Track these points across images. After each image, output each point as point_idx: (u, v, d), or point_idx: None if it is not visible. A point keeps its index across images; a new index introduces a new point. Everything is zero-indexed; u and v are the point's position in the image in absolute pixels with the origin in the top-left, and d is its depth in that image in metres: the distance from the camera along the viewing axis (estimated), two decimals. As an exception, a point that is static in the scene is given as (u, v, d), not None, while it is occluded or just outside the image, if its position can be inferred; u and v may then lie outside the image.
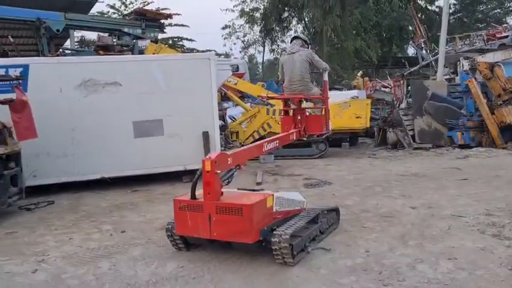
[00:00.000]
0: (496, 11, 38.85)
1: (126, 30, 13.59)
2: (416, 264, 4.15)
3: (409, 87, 18.44)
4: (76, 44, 20.41)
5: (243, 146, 8.87)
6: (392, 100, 17.85)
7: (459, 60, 20.86)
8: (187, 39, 31.77)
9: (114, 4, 28.80)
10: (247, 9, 34.77)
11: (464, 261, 4.17)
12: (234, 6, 34.88)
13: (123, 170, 8.60)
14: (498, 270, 3.95)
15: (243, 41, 37.91)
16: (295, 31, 32.74)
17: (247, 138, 12.57)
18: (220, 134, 10.20)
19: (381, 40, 32.50)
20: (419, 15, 30.40)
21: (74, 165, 8.31)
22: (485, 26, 32.61)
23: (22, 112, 6.81)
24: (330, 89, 11.49)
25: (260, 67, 45.55)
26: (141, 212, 6.72)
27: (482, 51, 21.45)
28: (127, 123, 8.58)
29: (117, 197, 7.95)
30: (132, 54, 12.83)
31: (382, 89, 21.31)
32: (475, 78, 13.32)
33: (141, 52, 12.73)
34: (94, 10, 19.15)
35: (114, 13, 28.14)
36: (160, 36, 15.82)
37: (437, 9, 34.07)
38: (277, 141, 5.54)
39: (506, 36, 21.93)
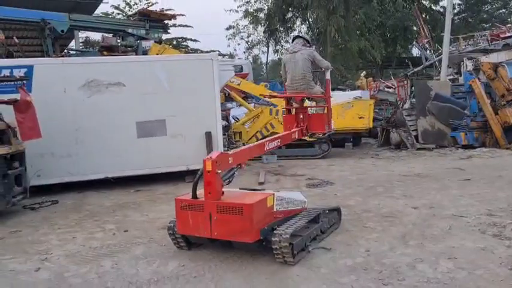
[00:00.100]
0: (501, 11, 38.70)
1: (130, 31, 13.63)
2: (417, 263, 4.17)
3: (413, 88, 18.41)
4: (80, 44, 20.54)
5: (245, 146, 8.88)
6: (395, 100, 17.83)
7: (463, 61, 20.87)
8: (191, 39, 31.90)
9: (119, 5, 29.06)
10: (251, 10, 34.89)
11: (464, 260, 4.19)
12: (238, 7, 35.05)
13: (127, 170, 8.66)
14: (498, 270, 3.96)
15: (247, 42, 37.99)
16: (299, 31, 32.79)
17: (250, 139, 12.58)
18: (224, 135, 10.21)
19: (385, 40, 32.51)
20: (423, 16, 30.41)
21: (78, 165, 8.38)
22: (490, 26, 32.51)
23: (26, 112, 6.87)
24: (333, 90, 11.54)
25: (264, 68, 45.58)
26: (143, 212, 6.77)
27: (486, 51, 21.40)
28: (130, 123, 8.64)
29: (120, 196, 8.00)
30: (136, 54, 12.87)
31: (386, 89, 21.28)
32: (479, 79, 13.31)
33: (145, 53, 12.74)
34: (98, 11, 19.24)
35: (118, 14, 28.29)
36: (164, 36, 15.87)
37: (441, 10, 34.04)
38: (279, 140, 5.54)
39: (510, 37, 21.88)
